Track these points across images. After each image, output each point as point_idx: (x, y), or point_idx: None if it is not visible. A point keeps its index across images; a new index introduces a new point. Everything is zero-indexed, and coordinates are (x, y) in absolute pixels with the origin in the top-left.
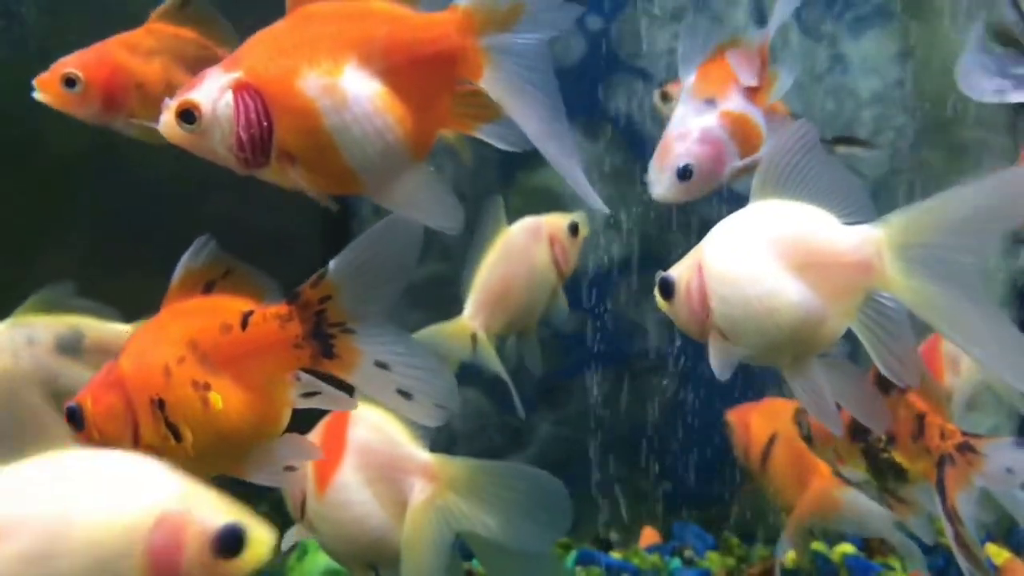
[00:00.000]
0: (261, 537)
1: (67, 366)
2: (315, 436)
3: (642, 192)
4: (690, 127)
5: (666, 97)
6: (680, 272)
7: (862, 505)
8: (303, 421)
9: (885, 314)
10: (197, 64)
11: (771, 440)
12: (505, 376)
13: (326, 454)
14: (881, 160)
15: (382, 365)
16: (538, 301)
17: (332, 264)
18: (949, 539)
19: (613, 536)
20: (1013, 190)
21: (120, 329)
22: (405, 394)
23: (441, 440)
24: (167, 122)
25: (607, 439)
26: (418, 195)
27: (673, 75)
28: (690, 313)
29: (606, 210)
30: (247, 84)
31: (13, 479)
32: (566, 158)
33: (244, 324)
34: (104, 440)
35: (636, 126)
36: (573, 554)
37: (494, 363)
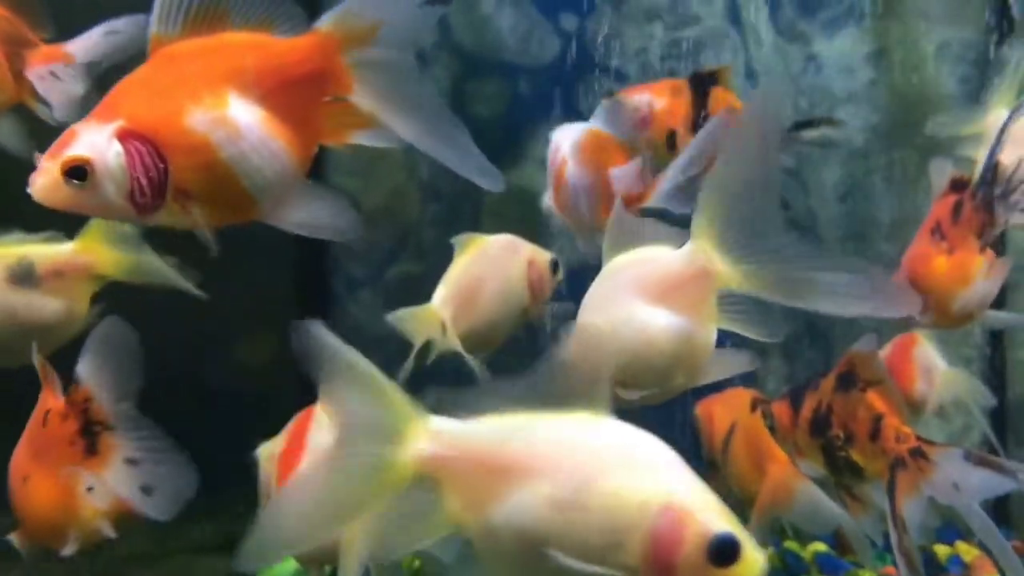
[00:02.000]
0: (754, 557)
1: (25, 298)
2: (282, 437)
3: None
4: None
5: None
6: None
7: (814, 497)
8: (284, 418)
9: (737, 302)
10: (6, 40)
11: (731, 429)
12: (473, 363)
13: (288, 456)
14: (854, 138)
15: (131, 461)
16: (506, 317)
17: (79, 369)
18: (893, 543)
19: None
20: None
21: (69, 248)
22: (146, 490)
23: None
24: (47, 184)
25: None
26: (312, 211)
27: (647, 75)
28: None
29: (501, 187)
30: (132, 131)
31: (556, 430)
32: (448, 149)
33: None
34: None
35: None
36: None
37: (458, 349)
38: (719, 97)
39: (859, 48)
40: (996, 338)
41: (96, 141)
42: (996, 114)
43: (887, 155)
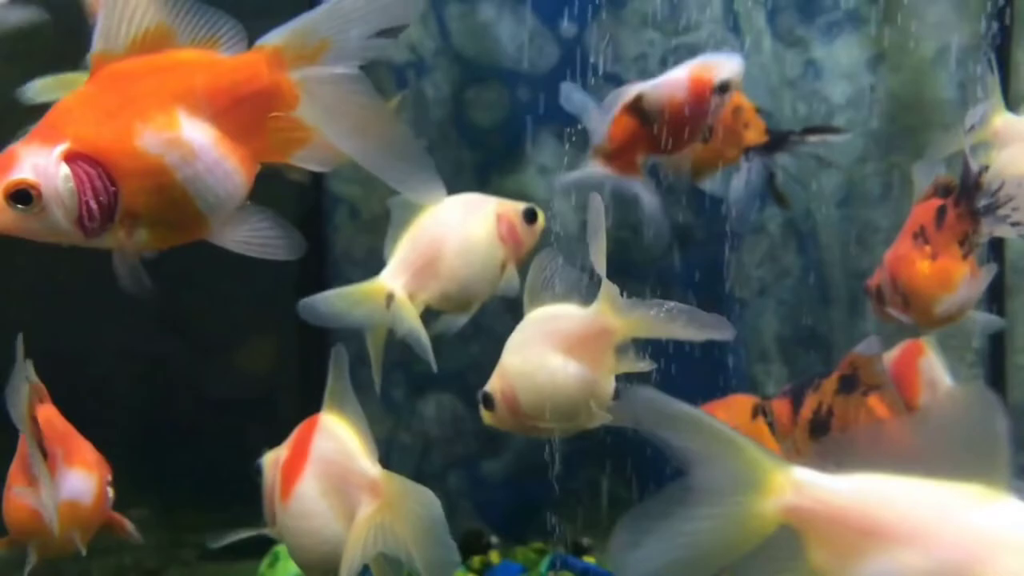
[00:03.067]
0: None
1: None
2: (286, 444)
3: (619, 197)
4: None
5: None
6: (493, 385)
7: None
8: (285, 425)
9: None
10: None
11: None
12: (425, 339)
13: (292, 462)
14: (855, 147)
15: None
16: (479, 276)
17: None
18: None
19: (587, 541)
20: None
21: None
22: None
23: (417, 445)
24: None
25: (583, 444)
26: (257, 231)
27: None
28: (508, 412)
29: (443, 196)
30: (80, 153)
31: (941, 498)
32: (391, 167)
33: None
34: None
35: None
36: (547, 559)
37: (412, 325)
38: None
39: (858, 53)
40: (996, 343)
41: (41, 164)
42: (1000, 119)
43: (886, 160)
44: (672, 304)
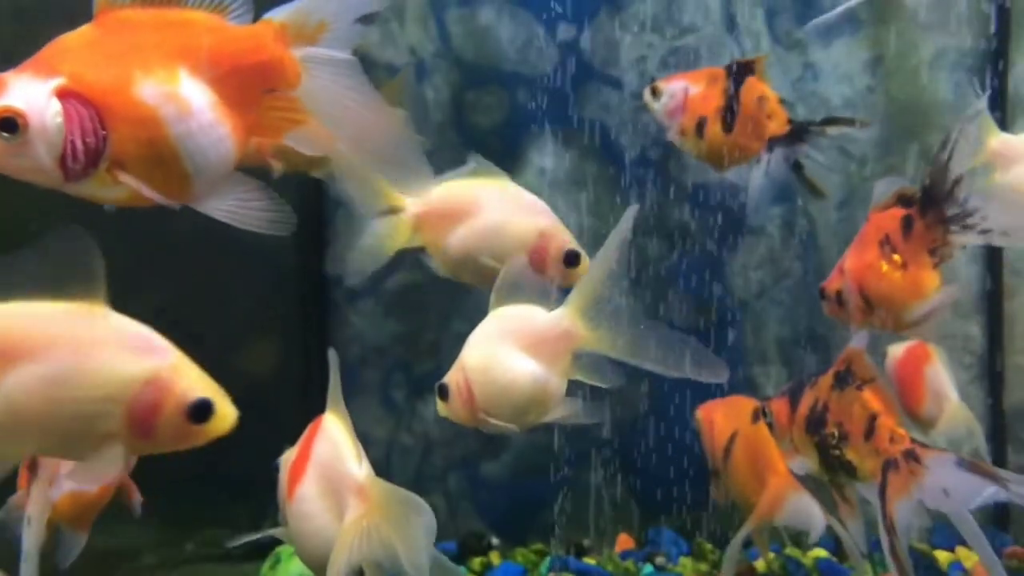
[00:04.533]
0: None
1: None
2: (296, 447)
3: (617, 198)
4: None
5: (656, 92)
6: (451, 377)
7: (809, 510)
8: (286, 427)
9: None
10: None
11: (732, 437)
12: (373, 263)
13: (297, 463)
14: (854, 149)
15: None
16: (481, 269)
17: None
18: (883, 546)
19: (587, 542)
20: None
21: None
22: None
23: (418, 447)
24: None
25: (583, 446)
26: (245, 202)
27: (645, 85)
28: (462, 405)
29: (431, 184)
30: (74, 91)
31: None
32: (380, 151)
33: None
34: None
35: (610, 135)
36: (546, 560)
37: (391, 242)
38: (752, 87)
39: (856, 56)
40: (995, 343)
41: (32, 95)
42: (996, 140)
43: (884, 162)
44: (647, 326)
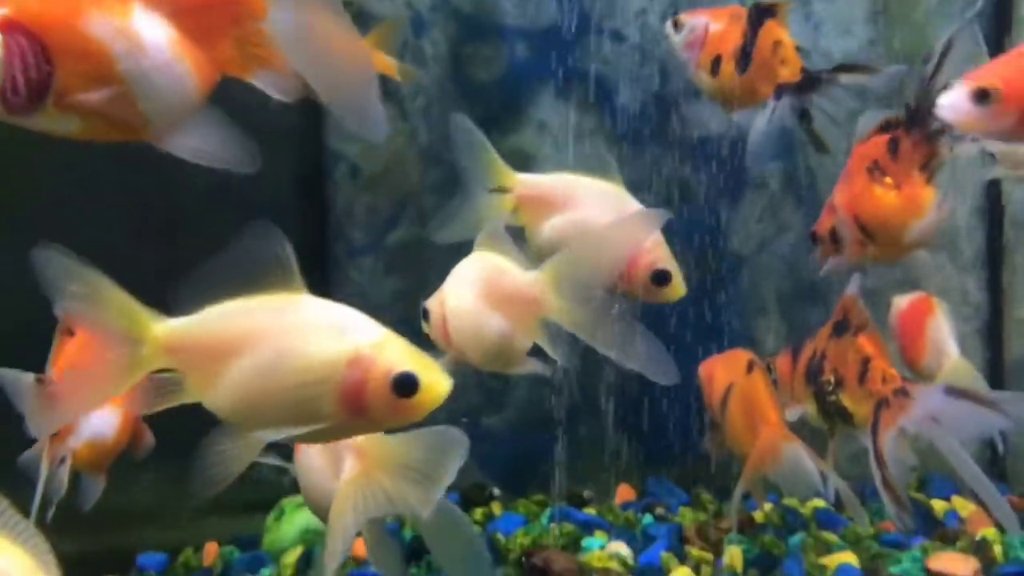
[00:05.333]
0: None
1: None
2: None
3: (618, 154)
4: None
5: (677, 25)
6: (431, 303)
7: (800, 459)
8: None
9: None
10: None
11: (728, 389)
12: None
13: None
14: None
15: None
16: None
17: None
18: (875, 479)
19: (587, 493)
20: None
21: None
22: None
23: None
24: None
25: (585, 399)
26: (208, 140)
27: (646, 37)
28: (440, 334)
29: (382, 137)
30: (17, 23)
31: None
32: (344, 93)
33: None
34: None
35: (609, 87)
36: (547, 511)
37: (495, 223)
38: (770, 30)
39: (858, 9)
40: (995, 296)
41: None
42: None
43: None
44: (616, 315)
